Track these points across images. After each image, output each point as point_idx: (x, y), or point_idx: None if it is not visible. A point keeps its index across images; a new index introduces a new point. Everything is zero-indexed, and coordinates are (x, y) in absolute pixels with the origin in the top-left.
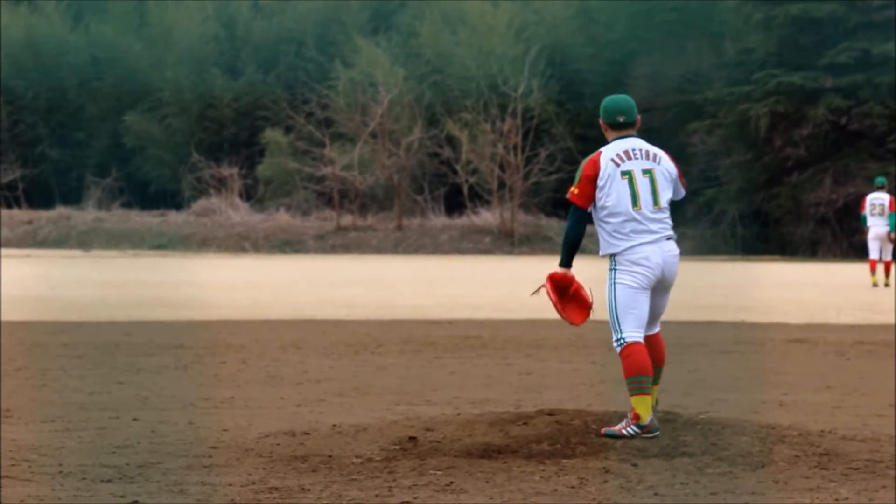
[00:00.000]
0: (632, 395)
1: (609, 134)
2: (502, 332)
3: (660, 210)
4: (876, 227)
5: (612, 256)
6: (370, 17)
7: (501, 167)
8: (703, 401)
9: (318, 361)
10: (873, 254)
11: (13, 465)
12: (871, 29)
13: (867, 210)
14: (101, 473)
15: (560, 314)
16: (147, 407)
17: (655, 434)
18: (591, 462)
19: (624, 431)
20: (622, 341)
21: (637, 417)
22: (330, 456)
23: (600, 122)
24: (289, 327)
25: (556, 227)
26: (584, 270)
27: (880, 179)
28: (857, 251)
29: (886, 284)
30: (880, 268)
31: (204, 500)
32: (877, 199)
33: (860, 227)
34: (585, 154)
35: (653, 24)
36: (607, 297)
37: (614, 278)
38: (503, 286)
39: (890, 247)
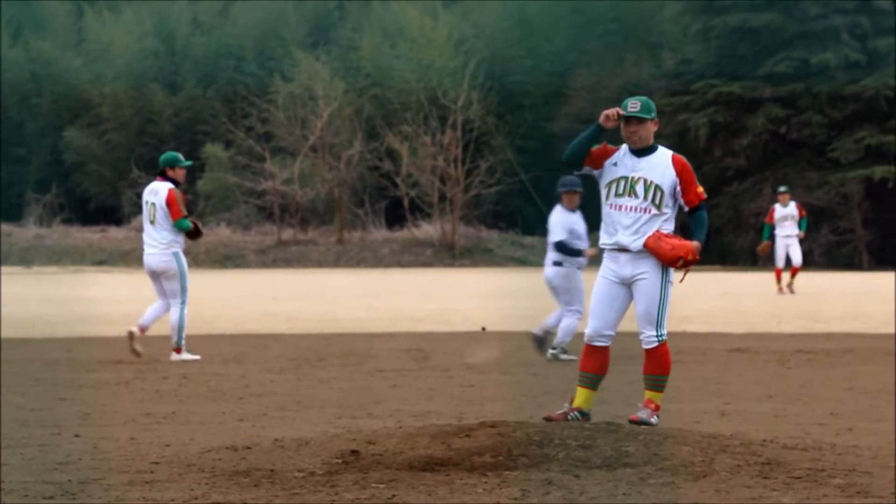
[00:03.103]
0: (659, 391)
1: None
2: (444, 345)
3: None
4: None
5: None
6: (309, 31)
7: (442, 180)
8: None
9: (259, 376)
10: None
11: None
12: (809, 38)
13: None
14: (42, 490)
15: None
16: (89, 423)
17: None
18: (534, 474)
19: (653, 420)
20: (663, 337)
21: (658, 408)
22: (272, 470)
23: (655, 120)
24: (230, 342)
25: (497, 240)
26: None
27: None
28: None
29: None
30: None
31: None
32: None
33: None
34: (525, 166)
35: (592, 35)
36: (660, 293)
37: (670, 276)
38: (444, 299)
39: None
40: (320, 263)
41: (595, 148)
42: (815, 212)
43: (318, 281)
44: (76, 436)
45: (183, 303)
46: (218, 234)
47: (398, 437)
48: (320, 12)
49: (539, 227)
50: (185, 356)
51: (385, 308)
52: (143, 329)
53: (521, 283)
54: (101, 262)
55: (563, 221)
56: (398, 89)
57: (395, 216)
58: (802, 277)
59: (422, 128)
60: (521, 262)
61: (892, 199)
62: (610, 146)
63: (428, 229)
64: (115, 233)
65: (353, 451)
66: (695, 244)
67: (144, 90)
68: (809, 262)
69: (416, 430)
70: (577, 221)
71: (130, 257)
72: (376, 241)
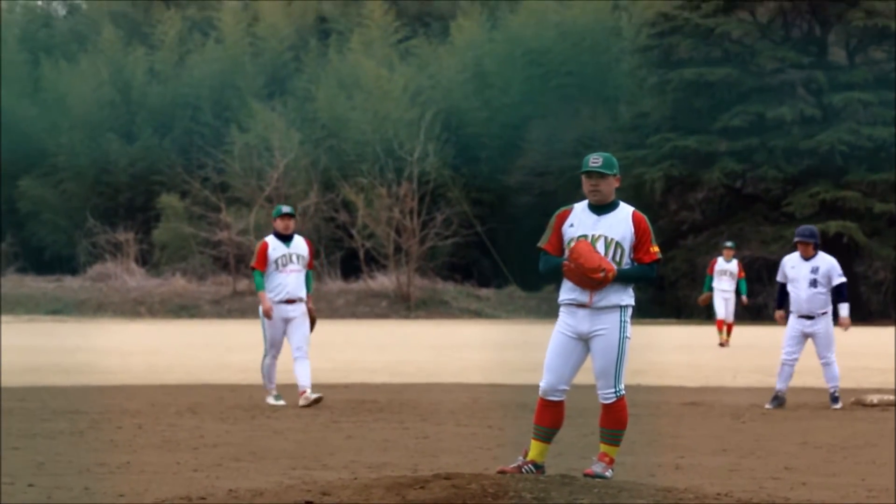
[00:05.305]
0: (615, 445)
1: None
2: (399, 396)
3: None
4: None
5: (626, 308)
6: (265, 81)
7: (398, 231)
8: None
9: (214, 426)
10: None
11: None
12: (765, 93)
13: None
14: None
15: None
16: (42, 472)
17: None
18: None
19: (608, 473)
20: (621, 392)
21: (613, 462)
22: None
23: (617, 176)
24: (185, 392)
25: (452, 291)
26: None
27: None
28: (752, 314)
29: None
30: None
31: None
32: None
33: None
34: (481, 218)
35: (548, 87)
36: (618, 349)
37: (628, 331)
38: (399, 350)
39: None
40: None
41: (551, 236)
42: (770, 266)
43: None
44: (30, 485)
45: (265, 350)
46: (173, 284)
47: (353, 488)
48: (276, 63)
49: (495, 279)
50: (269, 400)
51: (340, 359)
52: (303, 391)
53: (477, 335)
54: (55, 312)
55: (784, 266)
56: (354, 140)
57: (351, 267)
58: (758, 331)
59: (378, 179)
60: (477, 314)
61: (847, 253)
62: (562, 211)
63: (383, 281)
64: (70, 282)
65: (308, 503)
66: (616, 270)
67: (100, 140)
68: (764, 316)
69: (370, 481)
70: (800, 269)
71: (85, 307)
72: (331, 292)
